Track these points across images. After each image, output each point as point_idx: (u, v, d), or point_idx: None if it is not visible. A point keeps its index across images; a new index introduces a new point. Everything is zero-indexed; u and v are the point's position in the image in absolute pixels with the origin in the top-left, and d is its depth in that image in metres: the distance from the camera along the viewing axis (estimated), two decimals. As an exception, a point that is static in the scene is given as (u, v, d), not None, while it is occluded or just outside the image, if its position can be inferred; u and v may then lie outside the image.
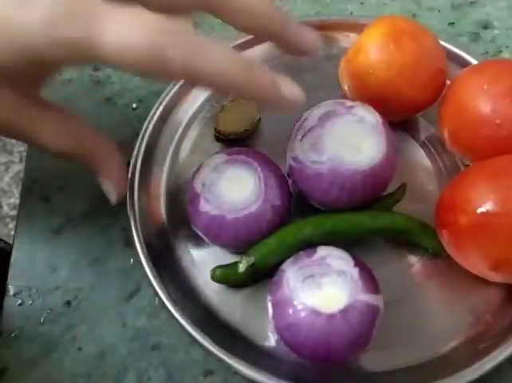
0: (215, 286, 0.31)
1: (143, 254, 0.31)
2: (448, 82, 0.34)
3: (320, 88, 0.37)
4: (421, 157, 0.36)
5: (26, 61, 0.22)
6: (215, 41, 0.23)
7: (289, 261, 0.28)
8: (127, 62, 0.21)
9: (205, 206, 0.29)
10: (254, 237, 0.29)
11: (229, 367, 0.27)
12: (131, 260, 0.32)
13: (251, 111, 0.36)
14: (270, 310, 0.27)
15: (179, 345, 0.30)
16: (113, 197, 0.30)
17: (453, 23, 0.43)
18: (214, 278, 0.30)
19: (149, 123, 0.36)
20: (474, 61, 0.37)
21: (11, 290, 0.32)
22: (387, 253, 0.32)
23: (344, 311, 0.25)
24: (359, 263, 0.27)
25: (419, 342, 0.29)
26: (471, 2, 0.44)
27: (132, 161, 0.34)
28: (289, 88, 0.25)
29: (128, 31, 0.21)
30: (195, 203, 0.29)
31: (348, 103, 0.30)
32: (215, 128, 0.36)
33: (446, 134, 0.33)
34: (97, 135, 0.29)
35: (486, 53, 0.41)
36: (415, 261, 0.32)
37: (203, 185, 0.29)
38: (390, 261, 0.32)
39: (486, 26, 0.43)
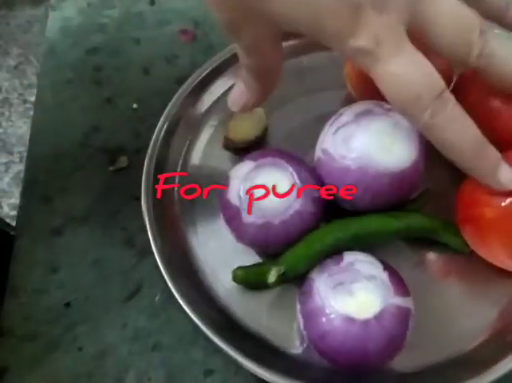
0: (234, 289, 0.31)
1: (161, 261, 0.30)
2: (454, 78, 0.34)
3: (324, 89, 0.37)
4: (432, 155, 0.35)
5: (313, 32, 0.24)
6: None
7: (316, 269, 0.28)
8: (398, 100, 0.24)
9: (248, 217, 0.28)
10: (303, 234, 0.29)
11: (229, 367, 0.27)
12: (132, 260, 0.32)
13: (261, 118, 0.35)
14: (301, 321, 0.27)
15: (180, 346, 0.30)
16: (236, 106, 0.30)
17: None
18: (235, 279, 0.30)
19: (158, 135, 0.35)
20: None
21: (12, 290, 0.32)
22: (404, 253, 0.32)
23: (379, 316, 0.25)
24: (387, 267, 0.27)
25: (446, 340, 0.29)
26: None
27: (144, 173, 0.33)
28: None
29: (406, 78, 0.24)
30: (238, 218, 0.29)
31: (387, 105, 0.29)
32: (225, 137, 0.36)
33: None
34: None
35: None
36: (434, 260, 0.32)
37: (240, 197, 0.29)
38: (409, 261, 0.31)
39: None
